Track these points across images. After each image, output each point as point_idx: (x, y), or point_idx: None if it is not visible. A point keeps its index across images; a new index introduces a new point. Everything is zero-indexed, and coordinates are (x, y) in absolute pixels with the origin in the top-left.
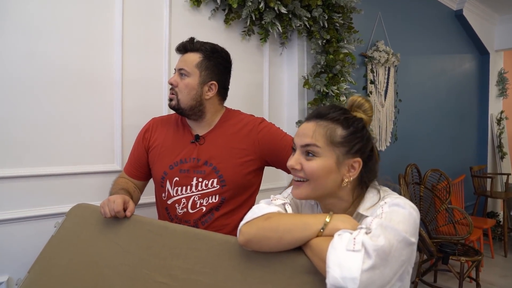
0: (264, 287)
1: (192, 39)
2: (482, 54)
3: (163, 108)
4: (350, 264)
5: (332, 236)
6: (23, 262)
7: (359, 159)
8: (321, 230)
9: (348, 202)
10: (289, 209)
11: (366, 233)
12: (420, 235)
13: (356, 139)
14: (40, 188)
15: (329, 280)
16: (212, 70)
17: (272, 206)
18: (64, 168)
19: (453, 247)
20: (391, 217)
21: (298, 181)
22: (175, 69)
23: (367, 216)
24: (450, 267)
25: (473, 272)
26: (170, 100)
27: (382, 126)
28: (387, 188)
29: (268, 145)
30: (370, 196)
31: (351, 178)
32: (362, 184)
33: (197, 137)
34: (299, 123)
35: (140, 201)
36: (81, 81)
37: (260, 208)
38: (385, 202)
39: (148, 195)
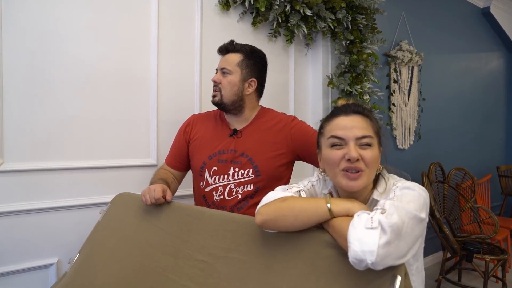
0: (293, 260)
1: (232, 41)
2: (510, 51)
3: (195, 106)
4: (368, 240)
5: (341, 213)
6: (70, 246)
7: (381, 147)
8: (328, 206)
9: (368, 190)
10: (304, 196)
11: (381, 213)
12: (443, 232)
13: (381, 130)
14: (83, 179)
15: (350, 254)
16: (251, 68)
17: (286, 192)
18: (105, 161)
19: (478, 245)
20: (402, 198)
21: (354, 172)
22: (216, 69)
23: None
24: (475, 266)
25: (500, 272)
26: (214, 96)
27: (405, 125)
28: (395, 175)
29: (300, 141)
30: (382, 183)
31: (379, 166)
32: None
33: (235, 131)
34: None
35: (178, 193)
36: (120, 82)
37: (276, 193)
38: (397, 187)
39: (185, 187)
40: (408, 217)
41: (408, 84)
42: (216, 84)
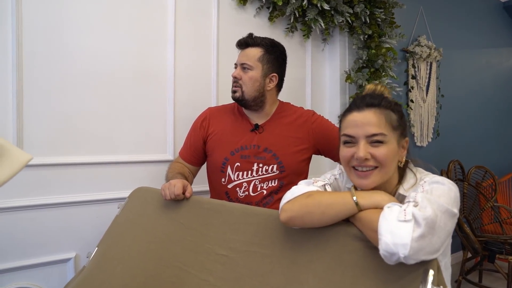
0: (319, 254)
1: (251, 34)
2: None
3: (212, 101)
4: (401, 232)
5: (369, 207)
6: (87, 241)
7: (407, 138)
8: (354, 199)
9: (393, 185)
10: (329, 189)
11: (414, 205)
12: (464, 231)
13: (404, 120)
14: (101, 174)
15: (381, 246)
16: (272, 63)
17: (311, 186)
18: (123, 156)
19: (500, 245)
20: (432, 192)
21: (365, 171)
22: (235, 63)
23: (406, 196)
24: (497, 267)
25: None
26: (234, 92)
27: (423, 122)
28: (422, 170)
29: (321, 135)
30: (409, 178)
31: (403, 158)
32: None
33: (256, 126)
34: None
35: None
36: (137, 77)
37: (300, 188)
38: (425, 181)
39: (200, 183)
40: (440, 211)
41: (427, 80)
42: (236, 80)
